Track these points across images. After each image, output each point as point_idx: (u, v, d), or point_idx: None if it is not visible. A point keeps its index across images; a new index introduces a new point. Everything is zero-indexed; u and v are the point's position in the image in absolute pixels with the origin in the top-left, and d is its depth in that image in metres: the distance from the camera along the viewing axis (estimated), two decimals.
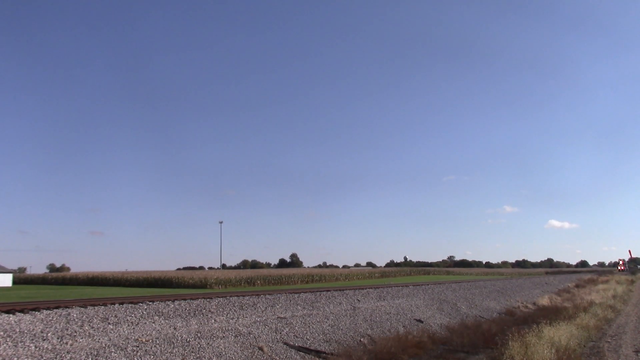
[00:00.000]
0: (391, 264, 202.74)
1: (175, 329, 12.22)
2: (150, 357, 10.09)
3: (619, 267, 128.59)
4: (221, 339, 12.20)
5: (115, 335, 10.83)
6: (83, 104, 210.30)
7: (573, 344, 12.52)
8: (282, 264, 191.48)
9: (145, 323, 12.14)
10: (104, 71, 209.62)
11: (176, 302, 15.11)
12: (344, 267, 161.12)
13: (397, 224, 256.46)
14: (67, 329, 10.57)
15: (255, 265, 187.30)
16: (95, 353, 9.55)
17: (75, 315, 11.79)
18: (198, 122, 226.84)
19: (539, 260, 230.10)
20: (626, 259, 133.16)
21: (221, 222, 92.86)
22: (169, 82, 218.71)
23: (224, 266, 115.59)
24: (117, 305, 14.20)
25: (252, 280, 58.21)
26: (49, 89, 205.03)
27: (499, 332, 14.39)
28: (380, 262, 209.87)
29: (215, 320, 13.72)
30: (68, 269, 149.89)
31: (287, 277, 63.13)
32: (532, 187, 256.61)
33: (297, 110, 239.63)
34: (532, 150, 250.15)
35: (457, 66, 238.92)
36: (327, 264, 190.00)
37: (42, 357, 8.92)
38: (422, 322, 19.48)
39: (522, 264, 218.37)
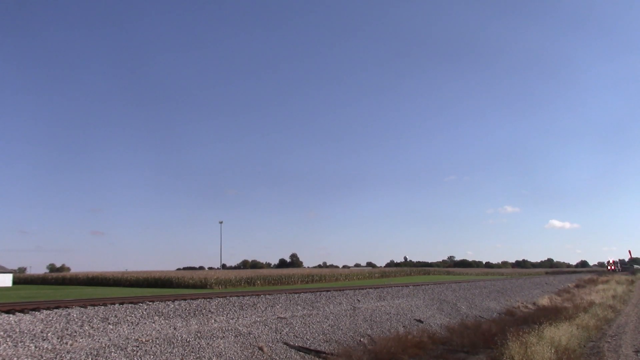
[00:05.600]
0: (391, 264, 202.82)
1: (175, 329, 12.22)
2: (150, 357, 10.09)
3: (608, 267, 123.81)
4: (221, 339, 12.20)
5: (115, 335, 10.84)
6: (83, 104, 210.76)
7: (573, 344, 12.52)
8: (282, 264, 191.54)
9: (145, 323, 12.14)
10: (104, 71, 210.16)
11: (176, 302, 15.12)
12: (344, 267, 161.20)
13: (397, 224, 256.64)
14: (67, 329, 10.58)
15: (255, 265, 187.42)
16: (95, 353, 9.55)
17: (75, 315, 11.79)
18: (198, 122, 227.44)
19: (539, 260, 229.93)
20: (626, 259, 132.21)
21: (221, 222, 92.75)
22: (169, 82, 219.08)
23: (224, 266, 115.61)
24: (117, 305, 14.20)
25: (252, 281, 58.18)
26: (49, 89, 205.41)
27: (499, 332, 14.38)
28: (380, 262, 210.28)
29: (215, 320, 13.72)
30: (68, 269, 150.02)
31: (287, 277, 63.10)
32: (533, 187, 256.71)
33: (297, 110, 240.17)
34: (532, 150, 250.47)
35: (457, 66, 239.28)
36: (327, 264, 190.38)
37: (42, 357, 8.92)
38: (422, 322, 19.48)
39: (522, 264, 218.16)
